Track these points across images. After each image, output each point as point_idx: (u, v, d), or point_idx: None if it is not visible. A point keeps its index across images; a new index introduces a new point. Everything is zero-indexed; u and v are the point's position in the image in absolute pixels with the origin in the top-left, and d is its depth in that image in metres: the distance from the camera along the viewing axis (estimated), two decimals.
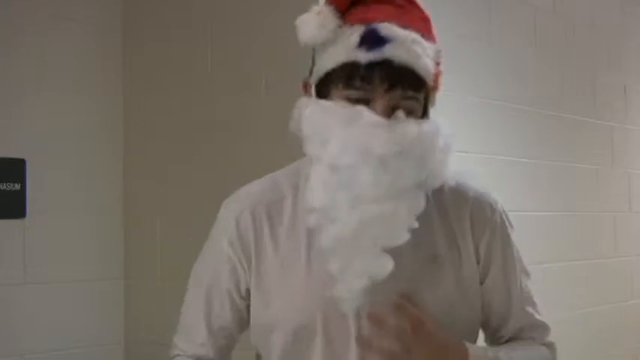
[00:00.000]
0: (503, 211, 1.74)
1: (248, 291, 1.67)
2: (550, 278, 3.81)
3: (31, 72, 3.15)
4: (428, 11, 1.68)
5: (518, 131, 3.74)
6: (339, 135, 1.51)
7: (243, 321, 1.71)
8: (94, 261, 3.29)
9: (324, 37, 1.58)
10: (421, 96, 1.57)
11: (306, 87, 1.66)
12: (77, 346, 3.21)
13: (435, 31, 1.64)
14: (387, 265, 1.52)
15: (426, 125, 1.55)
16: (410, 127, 1.52)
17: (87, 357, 3.23)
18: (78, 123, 3.27)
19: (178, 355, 1.75)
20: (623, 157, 4.55)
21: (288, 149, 3.00)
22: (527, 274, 1.78)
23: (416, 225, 1.54)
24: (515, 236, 1.78)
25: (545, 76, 3.96)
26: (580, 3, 4.26)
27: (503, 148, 3.64)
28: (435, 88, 1.62)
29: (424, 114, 1.60)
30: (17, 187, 3.08)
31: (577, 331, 4.00)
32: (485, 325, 1.75)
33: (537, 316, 1.76)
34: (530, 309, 1.75)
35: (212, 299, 1.71)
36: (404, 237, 1.52)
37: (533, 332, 1.76)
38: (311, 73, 1.65)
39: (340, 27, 1.57)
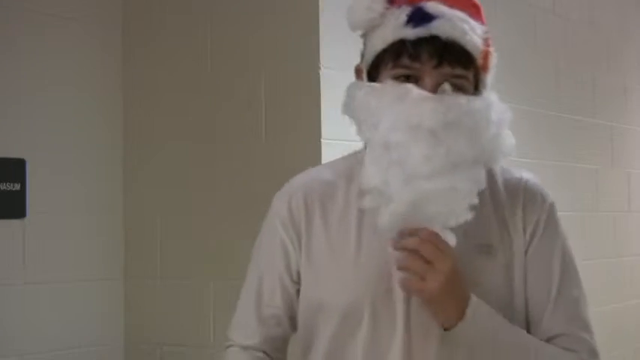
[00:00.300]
0: (554, 206, 1.70)
1: (299, 274, 1.68)
2: None
3: (31, 72, 3.15)
4: None
5: (517, 131, 3.73)
6: (388, 113, 1.52)
7: (293, 310, 1.70)
8: (94, 261, 3.29)
9: (372, 18, 1.59)
10: (470, 74, 1.58)
11: (358, 72, 1.66)
12: (77, 346, 3.21)
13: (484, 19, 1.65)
14: (449, 241, 1.50)
15: (476, 100, 1.55)
16: (458, 99, 1.52)
17: (87, 357, 3.23)
18: (78, 123, 3.27)
19: (231, 345, 1.74)
20: (623, 156, 4.55)
21: (288, 149, 3.00)
22: (577, 285, 1.71)
23: (477, 202, 1.52)
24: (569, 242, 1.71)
25: (545, 76, 3.96)
26: (580, 3, 4.26)
27: None
28: (485, 67, 1.62)
29: (476, 94, 1.59)
30: (17, 187, 3.08)
31: None
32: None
33: (584, 334, 1.66)
34: (577, 324, 1.66)
35: (263, 288, 1.71)
36: (465, 215, 1.50)
37: (573, 346, 1.64)
38: (362, 58, 1.66)
39: (388, 9, 1.59)
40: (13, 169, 3.07)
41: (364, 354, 1.59)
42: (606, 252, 4.36)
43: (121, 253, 3.36)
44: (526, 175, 1.71)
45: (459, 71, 1.56)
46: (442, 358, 1.56)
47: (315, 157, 2.81)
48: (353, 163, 1.70)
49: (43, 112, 3.17)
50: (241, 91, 3.09)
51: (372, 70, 1.61)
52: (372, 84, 1.59)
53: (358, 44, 1.67)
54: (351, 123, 1.60)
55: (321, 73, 2.87)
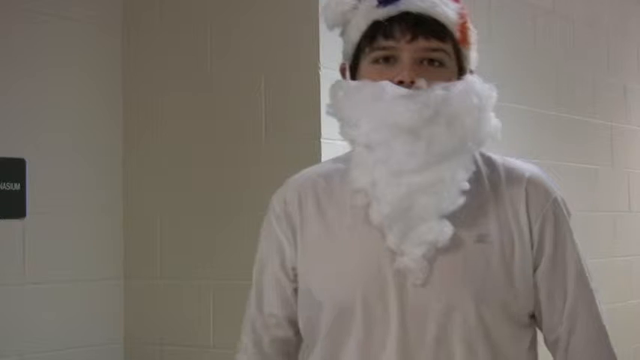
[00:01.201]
0: (562, 199, 1.68)
1: (295, 270, 1.67)
2: None
3: (30, 72, 3.15)
4: None
5: (517, 131, 3.74)
6: (367, 114, 1.54)
7: (291, 310, 1.69)
8: (94, 261, 3.29)
9: (345, 11, 1.62)
10: (448, 47, 1.59)
11: (343, 71, 1.68)
12: (77, 346, 3.21)
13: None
14: (446, 230, 1.52)
15: (455, 87, 1.56)
16: (434, 92, 1.53)
17: (87, 357, 3.23)
18: (78, 123, 3.27)
19: (242, 349, 1.74)
20: (623, 157, 4.55)
21: (288, 149, 2.99)
22: (587, 281, 1.69)
23: (467, 187, 1.54)
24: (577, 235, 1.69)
25: (545, 76, 3.96)
26: (580, 3, 4.26)
27: (502, 149, 3.64)
28: (464, 42, 1.62)
29: (461, 72, 1.61)
30: (17, 186, 3.08)
31: None
32: (538, 324, 1.67)
33: (602, 341, 1.68)
34: (589, 324, 1.66)
35: (263, 287, 1.71)
36: (457, 201, 1.53)
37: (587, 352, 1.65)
38: (344, 56, 1.68)
39: (360, 1, 1.62)
40: (13, 169, 3.07)
41: (359, 353, 1.58)
42: (606, 252, 4.36)
43: (121, 253, 3.36)
44: (531, 167, 1.70)
45: (434, 44, 1.57)
46: (439, 356, 1.55)
47: (315, 157, 2.81)
48: (347, 159, 1.69)
49: (43, 112, 3.17)
50: (241, 91, 3.09)
51: (354, 63, 1.63)
52: (350, 82, 1.61)
53: None
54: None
55: (321, 73, 2.87)
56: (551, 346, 1.67)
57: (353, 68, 1.64)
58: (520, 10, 3.83)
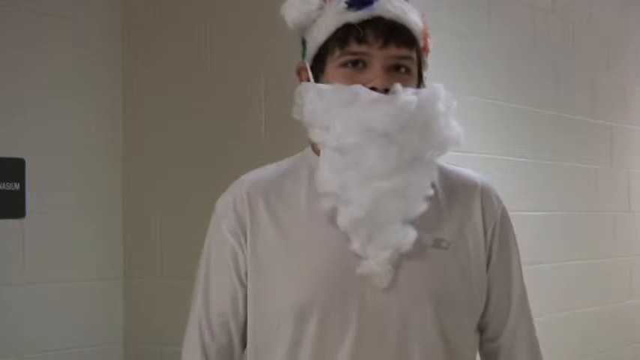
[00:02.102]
0: (505, 208, 1.72)
1: (246, 275, 1.64)
2: (549, 278, 3.81)
3: (30, 71, 3.15)
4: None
5: (517, 131, 3.74)
6: (340, 117, 1.53)
7: (244, 320, 1.66)
8: (93, 261, 3.29)
9: (309, 11, 1.61)
10: (414, 54, 1.60)
11: (300, 72, 1.66)
12: (77, 346, 3.21)
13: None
14: (410, 235, 1.53)
15: (424, 92, 1.57)
16: (409, 97, 1.53)
17: (87, 357, 3.23)
18: (77, 122, 3.27)
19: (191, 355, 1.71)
20: (623, 157, 4.55)
21: (288, 148, 3.00)
22: (524, 286, 1.73)
23: (432, 192, 1.56)
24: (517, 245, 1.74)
25: (544, 76, 3.96)
26: (579, 3, 4.26)
27: (502, 148, 3.65)
28: (426, 49, 1.64)
29: (420, 79, 1.62)
30: (17, 186, 3.08)
31: (576, 330, 4.00)
32: (481, 327, 1.69)
33: (536, 342, 1.72)
34: (528, 327, 1.71)
35: (210, 298, 1.68)
36: (422, 207, 1.54)
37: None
38: (303, 56, 1.66)
39: (325, 1, 1.61)
40: (13, 168, 3.07)
41: (313, 356, 1.56)
42: (606, 252, 4.36)
43: (121, 253, 3.36)
44: (481, 175, 1.73)
45: (404, 52, 1.58)
46: None
47: None
48: (298, 161, 1.70)
49: (42, 112, 3.17)
50: (241, 91, 3.09)
51: (317, 64, 1.61)
52: (320, 85, 1.59)
53: None
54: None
55: None
56: (492, 351, 1.71)
57: (315, 69, 1.62)
58: (520, 10, 3.83)
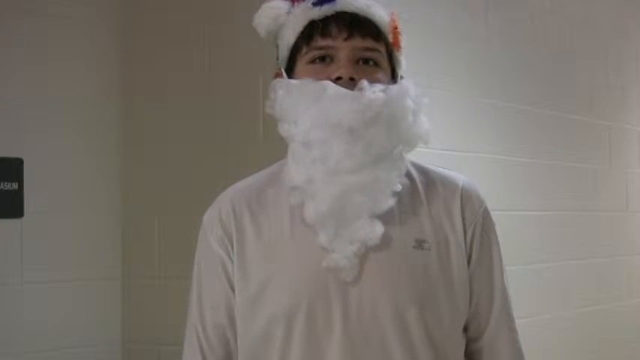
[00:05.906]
0: (488, 208, 1.72)
1: (234, 286, 1.64)
2: (547, 277, 3.82)
3: (29, 71, 3.15)
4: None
5: (516, 131, 3.74)
6: (307, 112, 1.56)
7: (234, 327, 1.67)
8: (92, 261, 3.29)
9: (278, 15, 1.66)
10: (382, 48, 1.63)
11: (277, 76, 1.70)
12: (76, 346, 3.21)
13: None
14: (377, 229, 1.54)
15: (392, 89, 1.58)
16: (376, 94, 1.55)
17: (86, 357, 3.22)
18: (76, 122, 3.27)
19: None
20: (621, 157, 4.56)
21: (286, 149, 2.99)
22: (506, 286, 1.72)
23: (399, 188, 1.58)
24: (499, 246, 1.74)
25: (543, 75, 3.97)
26: (578, 3, 4.27)
27: (501, 148, 3.65)
28: (396, 45, 1.66)
29: (393, 76, 1.64)
30: (15, 186, 3.07)
31: (574, 330, 4.01)
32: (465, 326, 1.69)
33: (518, 341, 1.71)
34: (509, 327, 1.70)
35: (205, 312, 1.69)
36: (389, 202, 1.56)
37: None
38: (278, 61, 1.70)
39: (293, 6, 1.66)
40: (11, 168, 3.07)
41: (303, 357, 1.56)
42: (605, 252, 4.37)
43: (120, 253, 3.35)
44: (463, 176, 1.73)
45: (370, 43, 1.61)
46: (381, 358, 1.55)
47: None
48: (279, 166, 1.71)
49: (41, 112, 3.16)
50: (241, 91, 3.09)
51: (289, 65, 1.66)
52: (291, 81, 1.62)
53: None
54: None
55: None
56: (474, 351, 1.70)
57: (289, 71, 1.66)
58: (518, 9, 3.84)
